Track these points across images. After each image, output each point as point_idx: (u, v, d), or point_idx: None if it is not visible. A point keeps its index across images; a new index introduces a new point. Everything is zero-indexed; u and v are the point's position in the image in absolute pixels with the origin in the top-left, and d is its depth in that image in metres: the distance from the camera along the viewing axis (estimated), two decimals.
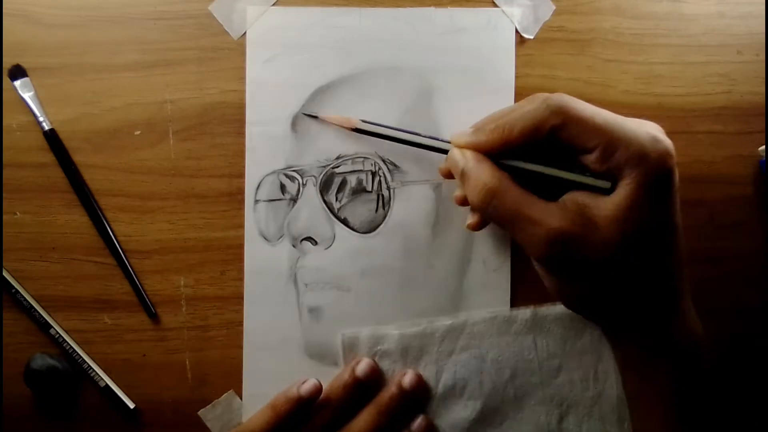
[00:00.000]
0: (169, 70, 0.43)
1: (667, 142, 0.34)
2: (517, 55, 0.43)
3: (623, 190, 0.33)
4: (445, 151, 0.39)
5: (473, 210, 0.39)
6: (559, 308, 0.42)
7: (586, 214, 0.34)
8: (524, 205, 0.34)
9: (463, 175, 0.37)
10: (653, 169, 0.33)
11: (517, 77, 0.43)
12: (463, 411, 0.42)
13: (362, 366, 0.41)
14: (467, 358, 0.42)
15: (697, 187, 0.43)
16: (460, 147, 0.37)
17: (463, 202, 0.39)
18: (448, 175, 0.39)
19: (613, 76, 0.43)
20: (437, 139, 0.40)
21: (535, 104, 0.35)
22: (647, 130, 0.34)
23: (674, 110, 0.43)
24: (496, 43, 0.43)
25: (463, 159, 0.37)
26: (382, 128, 0.41)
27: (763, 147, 0.42)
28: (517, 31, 0.43)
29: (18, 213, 0.43)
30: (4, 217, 0.43)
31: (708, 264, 0.43)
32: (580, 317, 0.41)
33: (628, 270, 0.34)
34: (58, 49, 0.43)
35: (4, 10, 0.43)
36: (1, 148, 0.43)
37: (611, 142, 0.33)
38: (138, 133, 0.43)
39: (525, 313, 0.42)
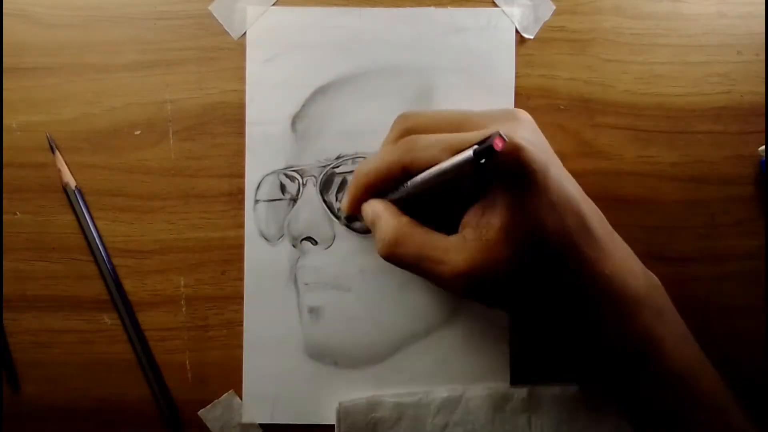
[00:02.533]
0: (169, 70, 0.43)
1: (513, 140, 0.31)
2: (517, 55, 0.43)
3: (497, 195, 0.32)
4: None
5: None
6: (556, 389, 0.42)
7: (483, 238, 0.32)
8: (426, 247, 0.33)
9: (373, 226, 0.36)
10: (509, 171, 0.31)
11: (517, 77, 0.43)
12: None
13: None
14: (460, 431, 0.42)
15: (698, 187, 0.43)
16: (345, 210, 0.39)
17: None
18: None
19: (613, 76, 0.43)
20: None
21: (386, 157, 0.35)
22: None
23: (674, 110, 0.43)
24: (496, 43, 0.43)
25: (371, 211, 0.37)
26: None
27: (764, 147, 0.42)
28: (517, 31, 0.43)
29: (18, 213, 0.43)
30: (4, 217, 0.43)
31: (708, 264, 0.43)
32: (577, 398, 0.41)
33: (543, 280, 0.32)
34: (58, 49, 0.43)
35: (4, 10, 0.43)
36: (1, 148, 0.43)
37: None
38: (138, 133, 0.43)
39: (522, 392, 0.42)
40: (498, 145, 0.28)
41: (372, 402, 0.42)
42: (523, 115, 0.36)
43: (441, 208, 0.35)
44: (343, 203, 0.39)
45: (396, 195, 0.36)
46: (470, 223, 0.33)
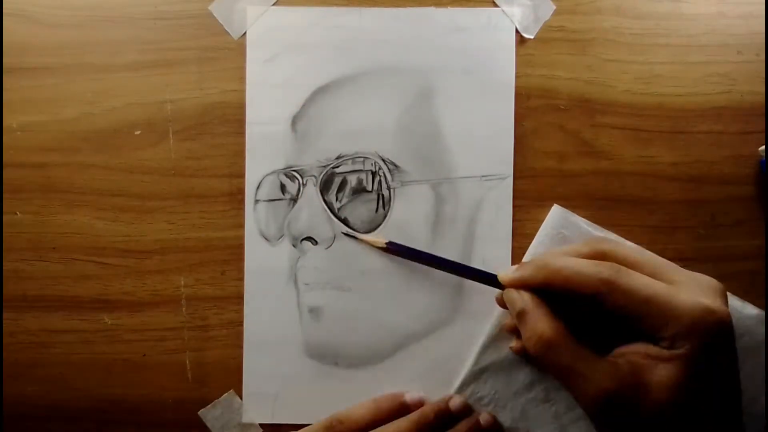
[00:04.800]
0: (169, 70, 0.43)
1: (722, 312, 0.33)
2: (517, 55, 0.43)
3: (678, 360, 0.33)
4: (490, 282, 0.39)
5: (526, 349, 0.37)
6: (734, 302, 0.41)
7: (639, 377, 0.33)
8: (578, 359, 0.34)
9: (521, 316, 0.36)
10: (706, 342, 0.33)
11: (517, 77, 0.43)
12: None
13: (456, 402, 0.41)
14: None
15: (698, 187, 0.43)
16: (506, 283, 0.38)
17: (517, 332, 0.39)
18: (503, 305, 0.39)
19: (614, 76, 0.43)
20: (481, 272, 0.40)
21: (588, 268, 0.34)
22: (700, 300, 0.33)
23: (674, 110, 0.43)
24: (497, 43, 0.43)
25: (521, 300, 0.37)
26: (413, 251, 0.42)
27: (764, 147, 0.42)
28: (517, 31, 0.43)
29: (18, 213, 0.43)
30: (4, 217, 0.43)
31: (708, 264, 0.43)
32: None
33: None
34: (58, 49, 0.43)
35: (4, 10, 0.43)
36: (1, 148, 0.43)
37: (661, 316, 0.33)
38: (138, 133, 0.43)
39: None
40: None
41: (567, 219, 0.42)
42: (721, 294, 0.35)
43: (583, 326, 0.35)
44: (509, 275, 0.38)
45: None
46: (629, 357, 0.34)
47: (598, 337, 0.35)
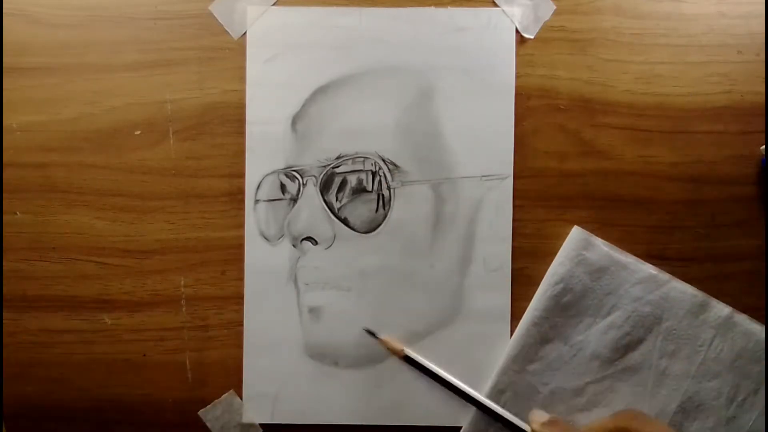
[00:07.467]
0: (169, 70, 0.43)
1: None
2: (517, 55, 0.43)
3: None
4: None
5: None
6: (754, 326, 0.42)
7: None
8: None
9: None
10: None
11: (517, 77, 0.43)
12: (610, 340, 0.42)
13: None
14: (648, 311, 0.42)
15: (698, 187, 0.43)
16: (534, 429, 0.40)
17: None
18: None
19: (614, 76, 0.43)
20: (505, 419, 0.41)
21: None
22: None
23: (674, 110, 0.43)
24: (497, 42, 0.43)
25: None
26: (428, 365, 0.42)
27: (764, 146, 0.42)
28: (517, 31, 0.43)
29: (18, 213, 0.43)
30: (4, 217, 0.43)
31: (708, 263, 0.43)
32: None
33: None
34: (58, 49, 0.43)
35: (4, 10, 0.43)
36: (1, 148, 0.43)
37: None
38: (138, 133, 0.43)
39: (722, 309, 0.42)
40: None
41: (587, 240, 0.42)
42: None
43: None
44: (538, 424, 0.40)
45: None
46: None
47: None
